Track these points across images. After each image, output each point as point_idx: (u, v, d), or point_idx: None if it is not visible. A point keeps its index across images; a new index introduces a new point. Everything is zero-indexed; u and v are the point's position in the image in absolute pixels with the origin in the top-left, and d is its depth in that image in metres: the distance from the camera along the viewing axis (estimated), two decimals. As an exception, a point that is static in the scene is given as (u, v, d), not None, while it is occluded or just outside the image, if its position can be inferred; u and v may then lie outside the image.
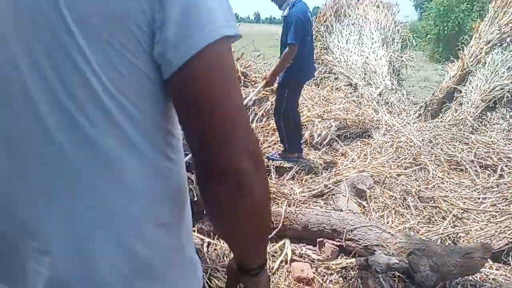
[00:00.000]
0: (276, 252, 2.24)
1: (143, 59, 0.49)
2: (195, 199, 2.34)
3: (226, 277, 0.77)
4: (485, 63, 5.04)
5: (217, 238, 2.29)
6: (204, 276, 1.94)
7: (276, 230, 2.27)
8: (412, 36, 7.41)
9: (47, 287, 0.53)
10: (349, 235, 2.24)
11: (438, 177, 3.46)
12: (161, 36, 0.48)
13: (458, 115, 4.95)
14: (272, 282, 1.99)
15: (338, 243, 2.25)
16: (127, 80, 0.50)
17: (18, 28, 0.48)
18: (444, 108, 5.37)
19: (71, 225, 0.52)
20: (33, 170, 0.51)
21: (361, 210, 2.71)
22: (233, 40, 0.52)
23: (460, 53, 5.43)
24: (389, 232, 2.21)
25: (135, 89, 0.51)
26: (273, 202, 2.73)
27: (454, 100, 5.29)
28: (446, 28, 13.55)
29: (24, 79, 0.49)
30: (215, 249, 2.21)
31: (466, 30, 13.70)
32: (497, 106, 4.77)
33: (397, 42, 6.86)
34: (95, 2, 0.47)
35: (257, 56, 6.24)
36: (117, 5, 0.47)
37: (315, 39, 5.60)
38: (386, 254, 2.08)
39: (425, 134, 4.46)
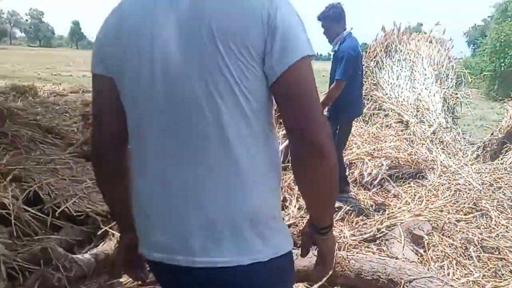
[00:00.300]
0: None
1: (258, 70, 0.78)
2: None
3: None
4: (551, 103, 4.68)
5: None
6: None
7: (327, 276, 2.14)
8: (467, 72, 7.11)
9: (201, 227, 0.79)
10: (407, 286, 2.06)
11: (502, 225, 3.17)
12: (270, 57, 0.76)
13: (521, 157, 4.59)
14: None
15: (395, 295, 2.08)
16: (251, 83, 0.78)
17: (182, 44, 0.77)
18: (505, 149, 5.00)
19: (218, 184, 0.79)
20: (191, 144, 0.79)
21: (418, 258, 2.52)
22: (312, 58, 0.79)
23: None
24: (451, 286, 2.02)
25: (255, 89, 0.79)
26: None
27: (517, 141, 4.93)
28: (503, 64, 12.93)
29: (193, 84, 0.77)
30: None
31: (525, 67, 13.02)
32: None
33: (451, 79, 6.60)
34: (235, 35, 0.75)
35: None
36: (247, 36, 0.75)
37: (364, 74, 5.54)
38: (449, 311, 1.89)
39: (485, 177, 4.14)
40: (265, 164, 0.82)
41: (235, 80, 0.76)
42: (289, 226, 2.97)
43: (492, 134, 5.17)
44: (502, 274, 2.47)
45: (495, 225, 3.14)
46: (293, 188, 3.51)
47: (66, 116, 7.13)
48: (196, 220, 0.80)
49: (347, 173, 3.64)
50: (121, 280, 2.35)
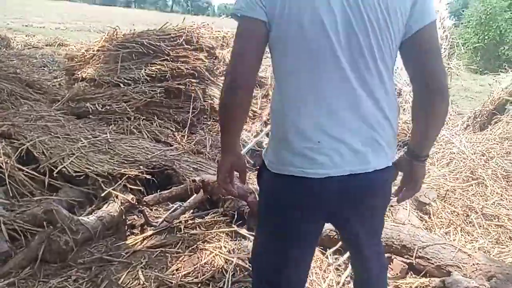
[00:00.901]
0: (340, 266, 2.11)
1: (400, 37, 1.07)
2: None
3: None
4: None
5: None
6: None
7: (340, 242, 2.14)
8: (460, 43, 7.10)
9: (346, 156, 1.07)
10: (420, 252, 2.09)
11: (497, 193, 3.26)
12: (410, 19, 1.05)
13: (511, 128, 4.69)
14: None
15: (408, 261, 2.10)
16: (393, 51, 1.08)
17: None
18: (494, 120, 5.10)
19: (361, 119, 1.07)
20: (333, 93, 1.06)
21: (423, 225, 2.55)
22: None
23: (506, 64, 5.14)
24: (465, 252, 2.05)
25: (393, 56, 1.08)
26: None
27: (506, 113, 5.01)
28: (486, 37, 13.05)
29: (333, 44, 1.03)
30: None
31: (508, 41, 13.19)
32: (555, 121, 4.49)
33: (444, 49, 6.57)
34: (395, 5, 1.03)
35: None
36: (403, 6, 1.04)
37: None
38: (463, 276, 1.93)
39: (477, 147, 4.22)
40: (395, 103, 1.15)
41: (392, 37, 1.05)
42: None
43: (483, 105, 5.24)
44: (503, 240, 2.56)
45: (490, 193, 3.21)
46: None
47: (45, 70, 6.73)
48: (363, 138, 1.08)
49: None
50: (127, 242, 2.28)
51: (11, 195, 2.43)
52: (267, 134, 3.81)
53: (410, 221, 2.50)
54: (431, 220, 2.63)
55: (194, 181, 2.43)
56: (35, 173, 2.61)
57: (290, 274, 1.21)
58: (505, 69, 7.23)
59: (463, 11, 17.28)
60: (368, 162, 1.08)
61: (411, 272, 2.11)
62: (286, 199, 1.14)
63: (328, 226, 2.12)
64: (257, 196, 2.29)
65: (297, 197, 1.12)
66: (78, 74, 4.68)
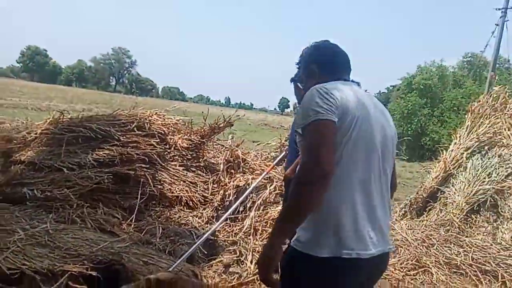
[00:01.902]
0: None
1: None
2: None
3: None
4: (466, 167, 5.37)
5: None
6: None
7: None
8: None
9: (380, 238, 1.40)
10: None
11: (442, 281, 3.42)
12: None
13: (444, 215, 5.09)
14: None
15: None
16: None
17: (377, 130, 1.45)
18: (429, 207, 5.52)
19: (384, 210, 1.44)
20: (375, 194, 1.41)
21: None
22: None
23: (441, 155, 5.77)
24: None
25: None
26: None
27: (438, 200, 5.47)
28: (409, 129, 14.69)
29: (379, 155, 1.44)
30: None
31: (428, 132, 14.93)
32: (481, 209, 4.98)
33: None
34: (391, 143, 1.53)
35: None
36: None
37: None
38: None
39: (417, 234, 4.49)
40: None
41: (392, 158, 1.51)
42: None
43: (417, 193, 5.70)
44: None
45: (436, 281, 3.36)
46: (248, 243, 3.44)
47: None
48: (385, 225, 1.43)
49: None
50: None
51: None
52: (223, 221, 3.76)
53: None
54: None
55: (148, 279, 2.27)
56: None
57: None
58: (430, 158, 8.04)
59: (386, 105, 19.49)
60: (388, 243, 1.43)
61: None
62: (335, 278, 1.30)
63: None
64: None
65: (346, 276, 1.31)
66: (16, 157, 4.40)
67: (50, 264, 2.45)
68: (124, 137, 4.44)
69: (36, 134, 4.56)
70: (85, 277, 2.49)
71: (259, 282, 2.81)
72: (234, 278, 3.00)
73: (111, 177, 3.93)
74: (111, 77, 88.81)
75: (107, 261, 2.66)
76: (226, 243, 3.68)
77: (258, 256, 1.48)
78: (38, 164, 4.07)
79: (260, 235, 3.81)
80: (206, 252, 3.41)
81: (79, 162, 4.06)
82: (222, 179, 4.60)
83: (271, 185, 4.36)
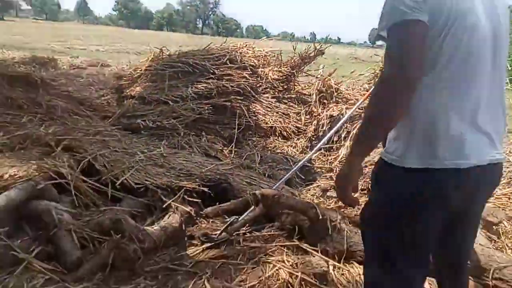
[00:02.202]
0: None
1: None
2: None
3: None
4: None
5: (343, 262, 2.17)
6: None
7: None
8: None
9: (497, 134, 1.23)
10: (497, 274, 2.01)
11: None
12: None
13: None
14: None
15: (483, 282, 2.02)
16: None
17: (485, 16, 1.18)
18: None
19: (494, 113, 1.23)
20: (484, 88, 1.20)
21: (492, 245, 2.45)
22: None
23: None
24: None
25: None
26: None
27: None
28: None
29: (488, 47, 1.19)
30: (342, 274, 2.08)
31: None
32: None
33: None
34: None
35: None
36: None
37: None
38: (544, 299, 1.84)
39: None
40: None
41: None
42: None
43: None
44: None
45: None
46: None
47: (92, 89, 7.06)
48: (498, 129, 1.23)
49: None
50: (188, 252, 2.32)
51: (77, 205, 2.54)
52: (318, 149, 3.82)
53: (478, 242, 2.41)
54: (501, 240, 2.53)
55: (254, 194, 2.46)
56: (97, 184, 2.72)
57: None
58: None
59: None
60: (499, 152, 1.23)
61: (486, 293, 2.03)
62: (431, 191, 1.17)
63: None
64: (318, 211, 2.29)
65: (443, 188, 1.17)
66: (127, 92, 4.90)
67: (168, 181, 2.78)
68: (218, 71, 4.63)
69: (141, 71, 4.97)
70: (198, 192, 2.79)
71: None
72: (332, 202, 3.08)
73: (211, 108, 4.19)
74: (198, 20, 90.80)
75: (216, 180, 2.93)
76: (322, 170, 3.76)
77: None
78: (146, 98, 4.49)
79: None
80: (303, 177, 3.54)
81: (181, 95, 4.37)
82: (315, 110, 4.59)
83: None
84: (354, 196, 1.32)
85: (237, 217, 2.58)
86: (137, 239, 2.13)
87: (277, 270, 2.07)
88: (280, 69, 5.26)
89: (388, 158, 1.23)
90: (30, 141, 3.08)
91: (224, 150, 3.82)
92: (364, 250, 1.41)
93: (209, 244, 2.38)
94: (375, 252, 1.32)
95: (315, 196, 3.13)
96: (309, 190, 3.29)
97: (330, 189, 3.19)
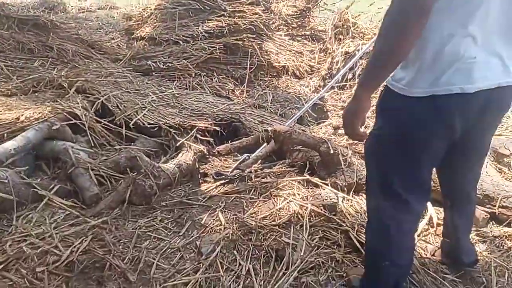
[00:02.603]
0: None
1: None
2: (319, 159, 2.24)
3: None
4: None
5: (352, 194, 2.20)
6: (352, 232, 1.87)
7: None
8: None
9: (497, 69, 1.17)
10: (504, 202, 2.02)
11: None
12: None
13: None
14: (418, 247, 1.86)
15: (490, 210, 2.04)
16: None
17: None
18: None
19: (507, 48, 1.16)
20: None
21: (502, 177, 2.44)
22: None
23: None
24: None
25: None
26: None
27: None
28: None
29: None
30: (351, 205, 2.12)
31: None
32: None
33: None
34: None
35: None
36: None
37: None
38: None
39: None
40: None
41: None
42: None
43: None
44: None
45: None
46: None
47: (102, 32, 6.94)
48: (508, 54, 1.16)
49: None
50: (202, 188, 2.39)
51: (92, 145, 2.61)
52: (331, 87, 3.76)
53: (487, 173, 2.41)
54: (511, 172, 2.51)
55: (266, 130, 2.47)
56: (111, 125, 2.77)
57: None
58: None
59: None
60: (509, 76, 1.17)
61: (493, 222, 2.06)
62: (435, 118, 1.15)
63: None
64: (330, 145, 2.29)
65: (448, 114, 1.15)
66: (136, 34, 4.81)
67: (180, 121, 2.81)
68: (230, 7, 4.45)
69: (151, 10, 4.82)
70: (210, 131, 2.82)
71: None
72: (343, 139, 3.07)
73: (222, 47, 4.08)
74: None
75: (227, 119, 2.94)
76: (335, 108, 3.71)
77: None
78: (157, 38, 4.40)
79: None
80: (315, 116, 3.52)
81: (192, 34, 4.26)
82: (330, 47, 4.43)
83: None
84: (363, 131, 1.30)
85: (249, 154, 2.62)
86: (153, 176, 2.20)
87: (288, 202, 2.12)
88: (294, 4, 5.02)
89: (394, 87, 1.20)
90: (43, 84, 3.12)
91: (235, 90, 3.78)
92: (366, 181, 1.41)
93: (222, 181, 2.44)
94: (377, 180, 1.33)
95: (327, 134, 3.12)
96: (321, 128, 3.28)
97: (341, 127, 3.16)
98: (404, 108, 1.18)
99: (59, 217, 1.97)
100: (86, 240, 1.78)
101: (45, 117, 2.50)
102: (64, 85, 3.04)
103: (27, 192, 2.01)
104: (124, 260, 1.71)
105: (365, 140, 1.37)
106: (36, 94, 3.00)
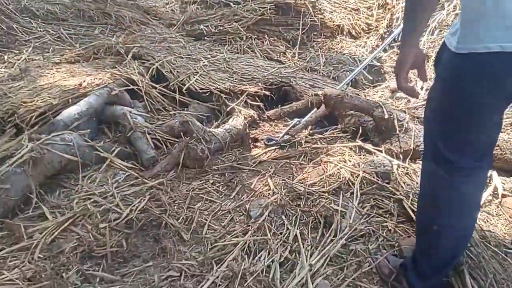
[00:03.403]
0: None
1: None
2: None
3: None
4: None
5: (409, 162, 2.10)
6: (406, 201, 1.79)
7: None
8: None
9: None
10: None
11: None
12: None
13: None
14: (479, 218, 1.74)
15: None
16: None
17: None
18: None
19: None
20: None
21: None
22: None
23: None
24: None
25: None
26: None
27: None
28: None
29: None
30: (407, 173, 2.02)
31: None
32: None
33: None
34: None
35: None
36: None
37: None
38: None
39: None
40: None
41: None
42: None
43: None
44: None
45: None
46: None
47: (155, -2, 7.01)
48: None
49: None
50: (252, 153, 2.40)
51: (148, 109, 2.71)
52: (384, 49, 3.54)
53: None
54: None
55: (316, 94, 2.40)
56: (166, 90, 2.83)
57: None
58: None
59: None
60: None
61: None
62: (481, 77, 1.06)
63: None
64: (384, 110, 2.18)
65: (495, 74, 1.05)
66: (188, -3, 4.78)
67: (231, 85, 2.80)
68: (282, -35, 4.24)
69: (202, -28, 4.74)
70: (260, 96, 2.79)
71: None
72: (402, 102, 2.91)
73: (273, 7, 3.95)
74: None
75: (278, 83, 2.88)
76: (393, 69, 3.49)
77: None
78: (208, 1, 4.35)
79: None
80: (371, 78, 3.34)
81: (243, -5, 4.16)
82: (389, 2, 4.10)
83: (449, 4, 3.70)
84: (410, 85, 1.27)
85: (299, 119, 2.57)
86: (204, 140, 2.24)
87: (338, 169, 2.07)
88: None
89: (447, 42, 1.12)
90: (103, 50, 3.24)
91: (287, 53, 3.67)
92: (423, 146, 1.33)
93: (272, 147, 2.43)
94: (431, 144, 1.26)
95: (383, 98, 2.96)
96: (377, 92, 3.11)
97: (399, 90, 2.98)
98: (451, 62, 1.10)
99: (120, 178, 2.09)
100: (144, 200, 1.88)
101: (105, 83, 2.61)
102: (121, 52, 3.14)
103: (91, 154, 2.14)
104: (178, 219, 1.80)
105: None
106: (97, 60, 3.13)
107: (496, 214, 1.78)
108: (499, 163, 1.98)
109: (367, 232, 1.68)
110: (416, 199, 1.77)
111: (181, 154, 2.19)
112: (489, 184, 1.92)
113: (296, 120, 2.59)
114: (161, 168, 2.18)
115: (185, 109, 2.71)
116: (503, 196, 1.85)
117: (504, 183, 1.92)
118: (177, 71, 2.93)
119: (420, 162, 2.07)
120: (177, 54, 3.20)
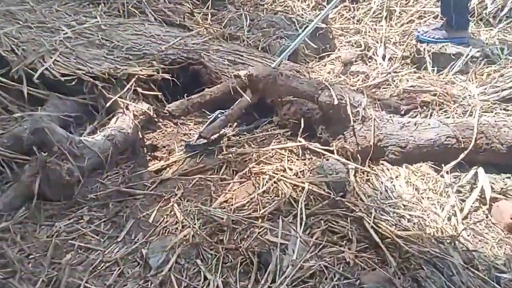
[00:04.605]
0: (463, 187, 2.13)
1: None
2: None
3: None
4: None
5: (369, 163, 2.22)
6: (368, 218, 1.88)
7: (466, 151, 2.14)
8: None
9: None
10: None
11: None
12: None
13: None
14: (464, 236, 1.89)
15: None
16: None
17: None
18: None
19: None
20: None
21: None
22: None
23: None
24: None
25: None
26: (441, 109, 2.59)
27: None
28: None
29: None
30: (368, 180, 2.13)
31: None
32: None
33: None
34: None
35: None
36: None
37: None
38: None
39: None
40: None
41: None
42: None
43: None
44: None
45: None
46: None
47: None
48: None
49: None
50: (150, 168, 2.39)
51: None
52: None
53: None
54: None
55: (237, 76, 2.43)
56: (6, 80, 2.68)
57: None
58: None
59: None
60: None
61: None
62: None
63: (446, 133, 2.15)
64: (333, 92, 2.27)
65: None
66: None
67: (110, 68, 2.74)
68: None
69: None
70: (157, 82, 2.77)
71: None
72: (359, 79, 3.06)
73: None
74: None
75: (182, 60, 2.88)
76: (345, 33, 3.68)
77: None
78: None
79: (398, 17, 3.72)
80: (315, 47, 3.47)
81: None
82: None
83: None
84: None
85: (222, 110, 2.58)
86: (72, 155, 2.17)
87: (275, 182, 2.13)
88: None
89: None
90: None
91: (195, 14, 3.70)
92: None
93: (178, 155, 2.43)
94: None
95: (333, 73, 3.10)
96: (325, 65, 3.26)
97: (356, 62, 3.14)
98: None
99: None
100: (-23, 260, 1.78)
101: None
102: None
103: None
104: (36, 284, 1.72)
105: None
106: None
107: (485, 226, 1.95)
108: (485, 155, 2.17)
109: (318, 269, 1.74)
110: (382, 215, 1.89)
111: (36, 180, 2.09)
112: (475, 186, 2.08)
113: (217, 112, 2.60)
114: (4, 205, 2.07)
115: (40, 108, 2.59)
116: (493, 200, 2.02)
117: (493, 183, 2.10)
118: (23, 50, 2.79)
119: (384, 163, 2.21)
120: (21, 23, 3.05)
